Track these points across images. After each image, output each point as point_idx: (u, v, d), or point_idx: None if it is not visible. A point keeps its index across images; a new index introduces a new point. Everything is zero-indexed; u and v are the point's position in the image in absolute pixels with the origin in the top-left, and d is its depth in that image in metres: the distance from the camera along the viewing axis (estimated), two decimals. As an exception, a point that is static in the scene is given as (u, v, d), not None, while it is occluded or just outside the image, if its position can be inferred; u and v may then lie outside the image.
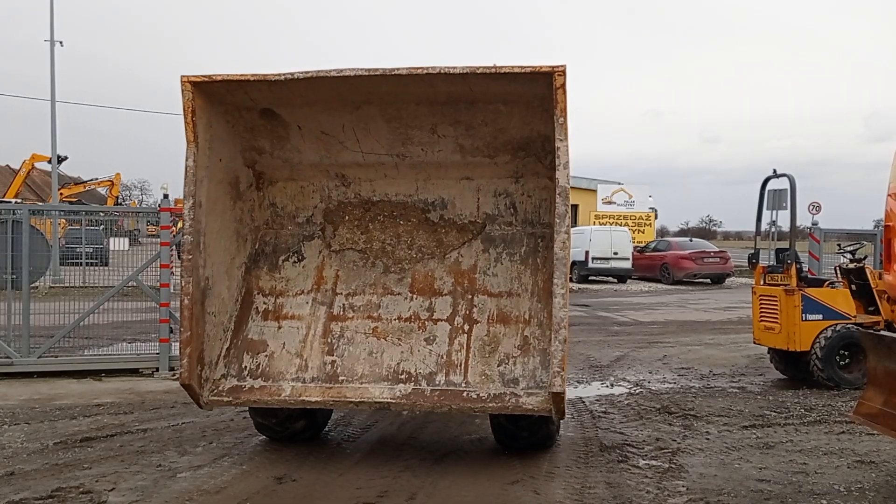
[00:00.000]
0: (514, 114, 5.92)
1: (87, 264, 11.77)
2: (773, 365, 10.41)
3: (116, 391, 8.94)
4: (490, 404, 5.55)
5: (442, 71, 5.44)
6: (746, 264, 10.81)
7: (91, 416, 7.67)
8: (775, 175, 10.09)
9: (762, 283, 10.18)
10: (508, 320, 6.01)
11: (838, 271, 10.53)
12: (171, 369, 9.84)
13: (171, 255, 9.70)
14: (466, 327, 6.04)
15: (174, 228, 12.20)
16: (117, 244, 10.97)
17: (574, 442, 6.72)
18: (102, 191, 50.33)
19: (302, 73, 5.62)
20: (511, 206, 6.44)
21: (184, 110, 5.59)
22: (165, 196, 9.53)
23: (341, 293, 6.41)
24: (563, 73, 5.26)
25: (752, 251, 10.63)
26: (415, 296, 6.30)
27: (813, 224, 14.75)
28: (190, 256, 5.66)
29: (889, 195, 5.59)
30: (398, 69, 5.52)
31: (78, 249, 12.61)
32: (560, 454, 6.35)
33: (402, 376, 5.84)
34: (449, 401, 5.61)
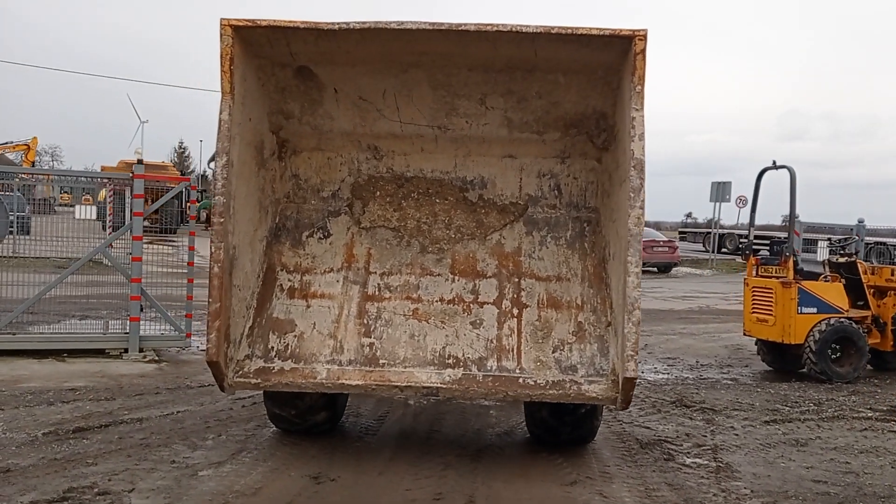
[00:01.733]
0: (572, 86, 5.54)
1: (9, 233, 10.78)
2: (759, 356, 10.37)
3: (86, 374, 8.16)
4: (550, 391, 5.14)
5: (513, 29, 4.96)
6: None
7: (69, 401, 6.93)
8: (774, 167, 9.99)
9: (755, 274, 10.10)
10: (560, 305, 5.63)
11: (827, 266, 10.56)
12: (141, 350, 9.08)
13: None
14: (515, 311, 5.62)
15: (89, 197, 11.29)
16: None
17: (607, 437, 6.41)
18: (13, 156, 47.47)
19: (358, 23, 5.00)
20: (555, 187, 6.06)
21: (221, 57, 4.96)
22: (140, 161, 8.73)
23: (375, 272, 5.88)
24: (644, 37, 4.89)
25: (747, 242, 10.54)
26: (456, 277, 5.83)
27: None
28: (221, 220, 4.98)
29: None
30: (465, 25, 4.99)
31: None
32: (601, 451, 6.03)
33: (450, 361, 5.36)
34: (504, 387, 5.16)
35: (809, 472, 5.78)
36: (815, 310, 9.49)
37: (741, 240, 34.20)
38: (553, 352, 5.39)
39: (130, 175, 8.99)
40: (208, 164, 55.94)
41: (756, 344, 10.37)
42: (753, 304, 9.96)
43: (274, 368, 5.33)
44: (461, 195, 6.07)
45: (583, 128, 5.76)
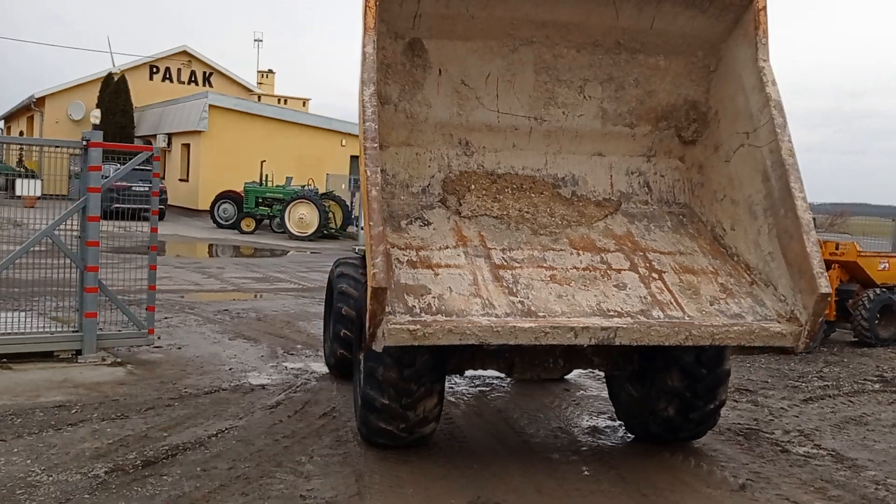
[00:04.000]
0: (669, 72, 5.72)
1: None
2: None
3: (51, 384, 6.75)
4: (733, 331, 4.73)
5: None
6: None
7: (75, 423, 5.67)
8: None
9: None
10: (695, 272, 5.33)
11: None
12: (102, 350, 7.71)
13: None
14: (655, 276, 5.24)
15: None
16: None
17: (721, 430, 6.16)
18: None
19: None
20: (645, 184, 5.97)
21: None
22: (95, 126, 7.29)
23: (495, 248, 5.28)
24: (765, 4, 5.29)
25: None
26: (580, 252, 5.38)
27: None
28: (375, 145, 4.63)
29: None
30: None
31: None
32: (716, 445, 5.82)
33: (612, 312, 4.84)
34: (684, 330, 4.69)
35: (907, 453, 5.90)
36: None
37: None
38: (711, 305, 5.03)
39: (84, 143, 7.49)
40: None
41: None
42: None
43: (427, 321, 4.52)
44: (554, 191, 5.86)
45: (672, 120, 5.86)
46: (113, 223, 21.57)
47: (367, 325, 4.35)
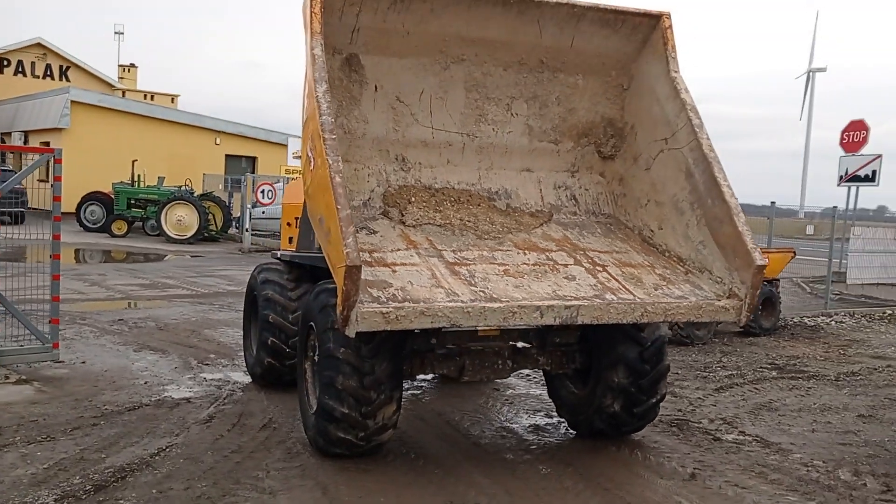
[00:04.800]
0: (587, 91, 6.12)
1: None
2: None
3: (-47, 407, 6.22)
4: (684, 305, 4.98)
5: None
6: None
7: (2, 447, 5.25)
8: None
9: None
10: (634, 265, 5.56)
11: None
12: (1, 367, 7.15)
13: None
14: (599, 268, 5.44)
15: None
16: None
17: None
18: None
19: None
20: (572, 197, 6.25)
21: (312, 1, 5.00)
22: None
23: (445, 249, 5.31)
24: (669, 16, 5.84)
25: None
26: (526, 251, 5.52)
27: None
28: (333, 136, 4.61)
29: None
30: None
31: None
32: (655, 437, 6.08)
33: (569, 297, 4.94)
34: (640, 307, 4.89)
35: (818, 434, 6.41)
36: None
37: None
38: (655, 290, 5.25)
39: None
40: None
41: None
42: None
43: (399, 305, 4.46)
44: (490, 203, 6.01)
45: (592, 136, 6.22)
46: None
47: (340, 307, 4.24)
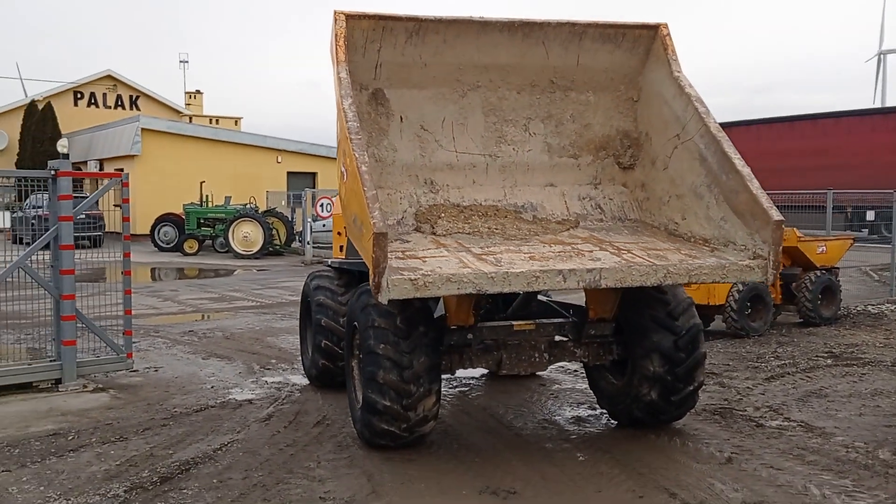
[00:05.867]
0: (600, 107, 6.40)
1: None
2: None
3: (38, 414, 6.73)
4: (708, 265, 5.13)
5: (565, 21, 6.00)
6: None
7: (76, 449, 5.71)
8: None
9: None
10: (659, 249, 5.67)
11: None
12: (80, 377, 7.69)
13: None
14: (625, 252, 5.59)
15: None
16: None
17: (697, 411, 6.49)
18: None
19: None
20: (597, 206, 6.44)
21: (336, 37, 5.58)
22: (65, 156, 7.32)
23: (472, 246, 5.57)
24: (667, 26, 6.20)
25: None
26: (552, 245, 5.72)
27: None
28: (359, 136, 5.10)
29: None
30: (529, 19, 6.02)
31: None
32: (696, 425, 6.20)
33: (592, 266, 5.09)
34: (663, 269, 5.03)
35: (865, 418, 6.40)
36: (731, 273, 10.38)
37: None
38: (680, 263, 5.31)
39: (52, 172, 7.47)
40: None
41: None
42: (674, 271, 10.66)
43: (427, 273, 4.76)
44: (517, 215, 6.25)
45: (610, 149, 6.46)
46: (49, 253, 20.85)
47: (372, 274, 4.56)
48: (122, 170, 30.20)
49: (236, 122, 42.08)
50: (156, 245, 25.38)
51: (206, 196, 25.26)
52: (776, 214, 5.06)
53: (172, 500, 4.68)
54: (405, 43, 5.85)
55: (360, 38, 5.78)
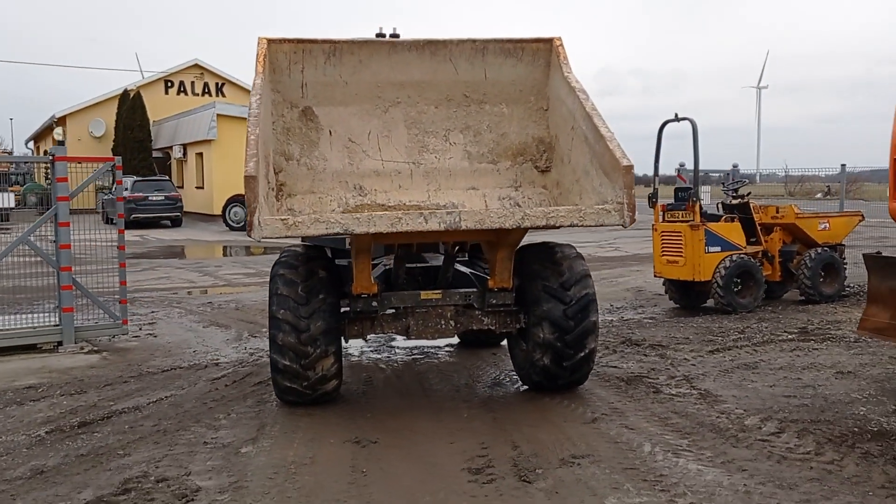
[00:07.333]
0: (514, 117, 6.89)
1: None
2: (668, 295, 11.24)
3: (29, 371, 7.69)
4: (564, 209, 5.51)
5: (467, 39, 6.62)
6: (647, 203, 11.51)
7: (39, 399, 6.58)
8: (676, 119, 10.80)
9: (661, 220, 10.92)
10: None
11: (721, 207, 11.58)
12: (85, 341, 8.64)
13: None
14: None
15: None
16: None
17: (590, 378, 6.86)
18: None
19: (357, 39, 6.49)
20: (515, 204, 6.81)
21: (256, 55, 6.20)
22: (61, 142, 8.22)
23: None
24: (560, 39, 6.76)
25: (652, 192, 11.34)
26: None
27: (680, 165, 16.02)
28: (257, 130, 5.46)
29: (897, 130, 6.23)
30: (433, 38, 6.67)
31: None
32: (595, 390, 6.51)
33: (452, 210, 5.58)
34: (521, 212, 5.39)
35: (775, 389, 6.53)
36: (719, 248, 10.44)
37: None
38: (538, 208, 5.91)
39: (51, 157, 8.41)
40: (26, 143, 51.94)
41: (664, 284, 11.24)
42: (663, 247, 10.80)
43: (294, 216, 5.34)
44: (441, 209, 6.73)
45: (527, 155, 6.90)
46: (132, 233, 23.43)
47: (247, 215, 5.14)
48: (201, 154, 31.94)
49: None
50: (227, 224, 26.82)
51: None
52: (626, 161, 5.40)
53: (81, 440, 5.42)
54: (325, 64, 6.52)
55: (283, 60, 6.46)
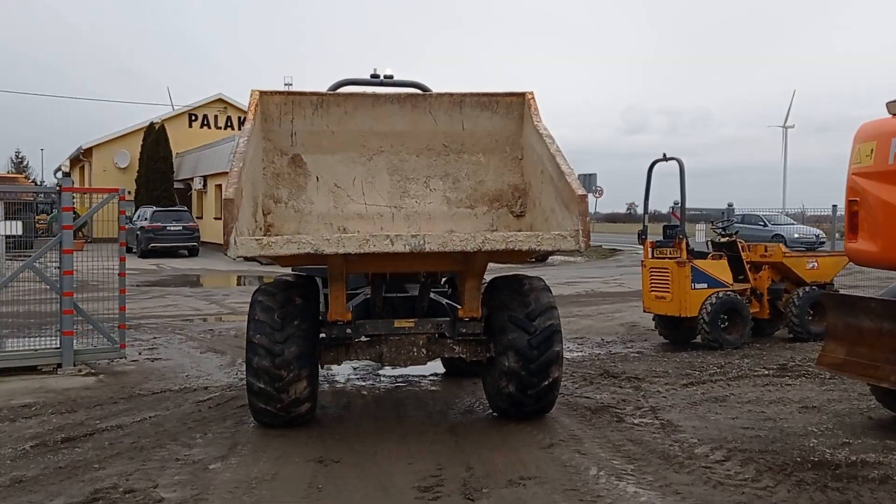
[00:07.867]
0: (490, 166, 7.32)
1: None
2: (657, 331, 11.43)
3: (27, 391, 8.05)
4: (522, 235, 5.85)
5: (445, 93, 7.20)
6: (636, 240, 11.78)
7: (31, 416, 6.92)
8: (664, 158, 11.08)
9: (651, 256, 11.16)
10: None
11: (711, 245, 11.80)
12: (75, 365, 9.01)
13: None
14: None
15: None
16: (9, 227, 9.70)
17: (560, 408, 7.08)
18: None
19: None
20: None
21: (249, 104, 6.71)
22: (67, 174, 8.67)
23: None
24: (532, 93, 7.19)
25: (642, 228, 11.60)
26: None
27: (675, 203, 16.27)
28: (238, 166, 5.79)
29: (851, 174, 6.50)
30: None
31: None
32: (561, 419, 6.74)
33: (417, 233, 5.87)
34: (482, 237, 5.67)
35: (736, 421, 6.72)
36: (705, 285, 10.64)
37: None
38: (498, 234, 6.07)
39: (58, 188, 8.87)
40: (55, 173, 53.25)
41: (654, 319, 11.44)
42: (651, 283, 11.02)
43: (269, 237, 5.79)
44: None
45: (503, 201, 7.30)
46: (148, 262, 24.03)
47: (224, 235, 5.43)
48: (221, 185, 32.57)
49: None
50: (242, 255, 27.29)
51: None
52: (581, 191, 5.76)
53: (62, 454, 5.75)
54: (313, 114, 7.02)
55: (274, 110, 6.95)
